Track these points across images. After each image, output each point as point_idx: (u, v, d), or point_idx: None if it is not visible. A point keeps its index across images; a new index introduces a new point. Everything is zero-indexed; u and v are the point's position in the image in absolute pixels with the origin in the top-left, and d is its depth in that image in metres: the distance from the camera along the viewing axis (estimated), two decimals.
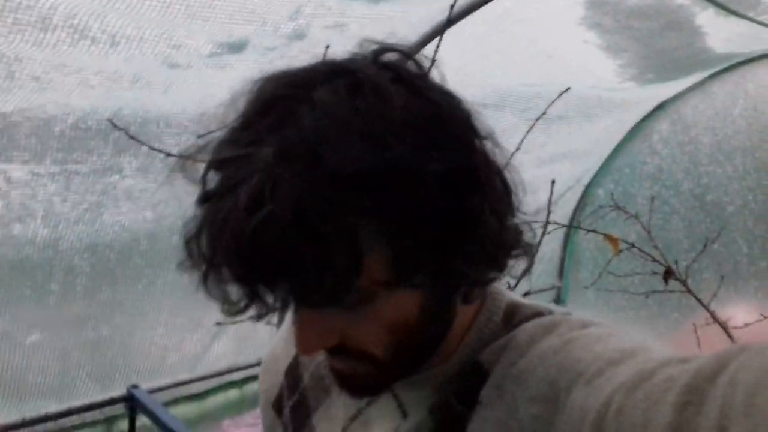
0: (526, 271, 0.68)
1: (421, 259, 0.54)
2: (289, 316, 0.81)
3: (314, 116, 0.52)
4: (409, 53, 0.58)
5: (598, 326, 0.62)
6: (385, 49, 0.58)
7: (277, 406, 0.82)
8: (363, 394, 0.66)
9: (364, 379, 0.61)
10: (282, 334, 0.85)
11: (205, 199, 0.55)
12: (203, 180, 0.56)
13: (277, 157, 0.51)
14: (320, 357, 0.77)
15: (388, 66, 0.57)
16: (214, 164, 0.55)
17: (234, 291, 0.56)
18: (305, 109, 0.52)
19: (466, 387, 0.64)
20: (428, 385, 0.66)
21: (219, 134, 0.57)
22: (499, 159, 0.60)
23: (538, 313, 0.66)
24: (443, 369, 0.65)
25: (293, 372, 0.80)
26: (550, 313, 0.66)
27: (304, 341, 0.58)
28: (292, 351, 0.81)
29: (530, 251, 0.64)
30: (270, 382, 0.84)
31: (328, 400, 0.75)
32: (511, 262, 0.62)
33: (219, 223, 0.51)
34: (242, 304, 0.56)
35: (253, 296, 0.54)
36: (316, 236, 0.49)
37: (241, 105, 0.57)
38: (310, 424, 0.76)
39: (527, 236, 0.63)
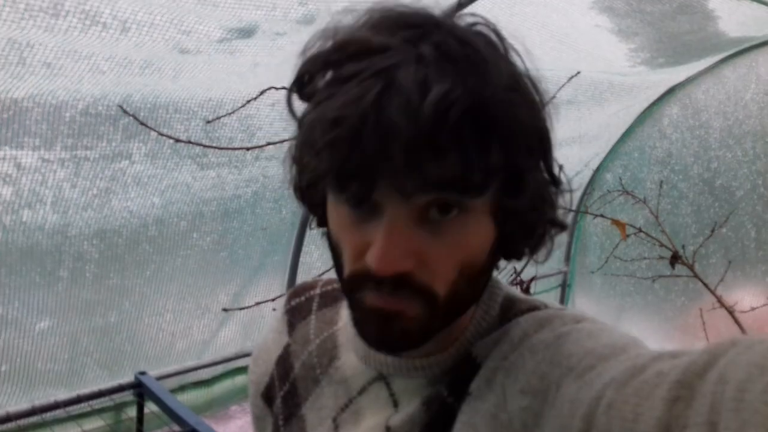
0: (548, 253, 0.69)
1: (522, 198, 0.58)
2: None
3: (464, 34, 0.54)
4: (491, 23, 0.60)
5: (592, 322, 0.62)
6: (468, 14, 0.60)
7: (267, 396, 0.82)
8: (399, 343, 0.61)
9: (408, 323, 0.59)
10: (272, 324, 0.85)
11: (330, 85, 0.53)
12: (325, 63, 0.55)
13: (440, 55, 0.52)
14: (311, 346, 0.78)
15: (477, 32, 0.59)
16: (356, 46, 0.53)
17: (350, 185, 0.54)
18: (446, 31, 0.54)
19: (458, 378, 0.65)
20: (422, 375, 0.66)
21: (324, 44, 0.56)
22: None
23: (534, 308, 0.67)
24: (439, 359, 0.66)
25: (284, 362, 0.80)
26: (546, 307, 0.67)
27: (386, 255, 0.55)
28: (283, 341, 0.81)
29: (565, 227, 0.66)
30: (259, 372, 0.84)
31: (318, 390, 0.75)
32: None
33: (375, 97, 0.49)
34: (357, 193, 0.55)
35: (402, 174, 0.52)
36: (486, 125, 0.52)
37: (348, 28, 0.56)
38: (300, 415, 0.76)
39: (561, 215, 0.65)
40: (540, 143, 0.58)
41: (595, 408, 0.48)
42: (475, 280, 0.61)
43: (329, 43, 0.55)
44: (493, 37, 0.58)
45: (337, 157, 0.52)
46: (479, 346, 0.65)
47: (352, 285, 0.60)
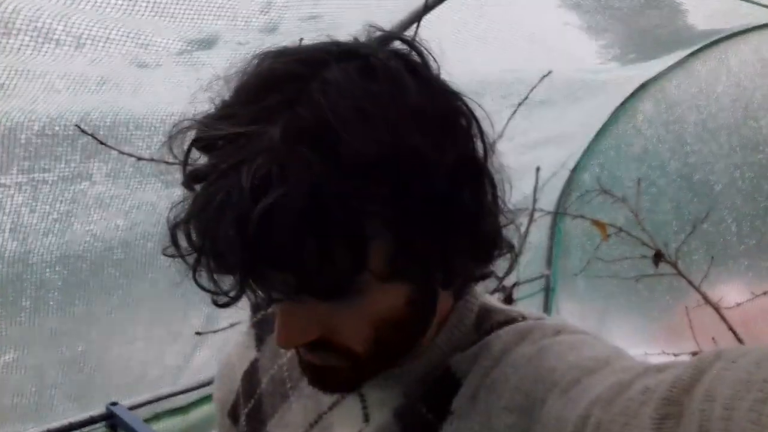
0: (513, 265, 0.69)
1: (422, 251, 0.54)
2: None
3: (328, 97, 0.50)
4: (416, 44, 0.58)
5: (572, 332, 0.63)
6: (392, 36, 0.59)
7: (233, 414, 0.82)
8: (335, 390, 0.66)
9: (339, 373, 0.61)
10: (238, 338, 0.85)
11: (195, 178, 0.53)
12: (186, 158, 0.55)
13: (287, 137, 0.49)
14: (282, 359, 0.77)
15: (397, 53, 0.57)
16: (207, 141, 0.53)
17: (224, 281, 0.55)
18: (316, 88, 0.51)
19: (437, 394, 0.64)
20: (395, 384, 0.66)
21: (209, 110, 0.56)
22: (493, 154, 0.61)
23: (511, 319, 0.67)
24: (411, 368, 0.66)
25: (250, 377, 0.80)
26: (524, 318, 0.67)
27: (286, 333, 0.57)
28: (250, 356, 0.81)
29: (514, 248, 0.64)
30: (225, 389, 0.83)
31: (285, 406, 0.75)
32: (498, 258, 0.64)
33: (216, 206, 0.49)
34: (232, 295, 0.56)
35: (244, 287, 0.53)
36: (327, 224, 0.48)
37: (236, 80, 0.56)
38: None
39: (511, 233, 0.64)
40: (428, 205, 0.53)
41: (582, 428, 0.49)
42: (401, 329, 0.60)
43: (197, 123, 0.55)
44: (426, 72, 0.57)
45: (196, 264, 0.54)
46: (458, 360, 0.65)
47: None
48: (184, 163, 0.55)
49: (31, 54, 1.23)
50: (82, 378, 1.95)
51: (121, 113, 1.58)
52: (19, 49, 1.19)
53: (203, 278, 0.55)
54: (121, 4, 1.24)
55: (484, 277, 0.64)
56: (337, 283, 0.52)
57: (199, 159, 0.56)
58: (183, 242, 0.54)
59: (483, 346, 0.64)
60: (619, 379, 0.50)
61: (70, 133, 1.51)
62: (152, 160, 1.56)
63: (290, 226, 0.48)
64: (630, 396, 0.47)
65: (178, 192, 1.77)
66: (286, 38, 1.55)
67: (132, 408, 2.04)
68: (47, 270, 1.71)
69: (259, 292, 0.55)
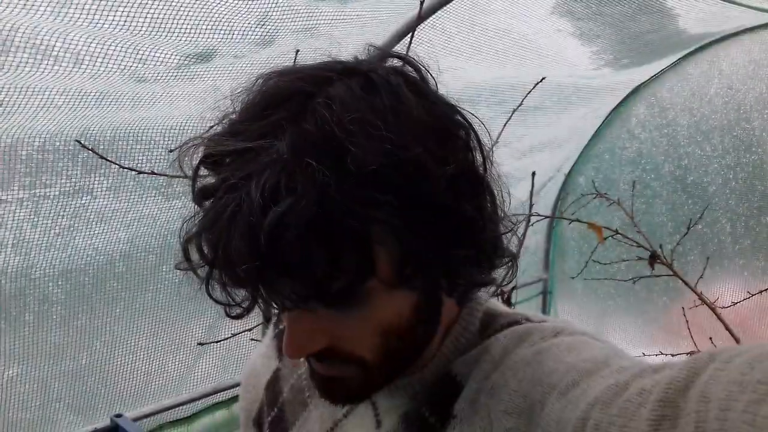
0: (514, 272, 0.69)
1: (426, 260, 0.55)
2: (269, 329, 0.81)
3: (332, 111, 0.52)
4: (413, 60, 0.60)
5: (570, 333, 0.63)
6: (391, 54, 0.60)
7: (258, 422, 0.83)
8: (344, 402, 0.66)
9: (347, 384, 0.61)
10: (261, 349, 0.86)
11: (205, 194, 0.55)
12: (195, 175, 0.56)
13: (294, 151, 0.51)
14: (301, 369, 0.78)
15: (396, 70, 0.58)
16: (216, 157, 0.55)
17: (236, 293, 0.57)
18: (322, 104, 0.53)
19: (439, 399, 0.65)
20: (405, 393, 0.67)
21: (216, 128, 0.58)
22: (492, 164, 0.62)
23: (513, 322, 0.67)
24: (420, 377, 0.66)
25: (273, 386, 0.81)
26: (526, 321, 0.67)
27: (293, 343, 0.57)
28: (272, 365, 0.82)
29: (514, 255, 0.66)
30: (250, 398, 0.84)
31: (305, 414, 0.76)
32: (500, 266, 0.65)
33: (227, 219, 0.50)
34: (244, 306, 0.57)
35: (256, 297, 0.55)
36: (335, 232, 0.50)
37: (242, 99, 0.58)
38: None
39: (510, 238, 0.65)
40: (431, 213, 0.54)
41: (582, 430, 0.49)
42: (407, 336, 0.61)
43: (206, 141, 0.56)
44: (424, 87, 0.58)
45: (208, 276, 0.55)
46: (459, 364, 0.65)
47: None
48: (194, 180, 0.56)
49: (30, 71, 1.23)
50: (86, 390, 1.94)
51: (121, 128, 1.58)
52: (18, 66, 1.19)
53: (215, 290, 0.56)
54: (119, 21, 1.24)
55: (487, 284, 0.64)
56: (345, 290, 0.53)
57: (207, 177, 0.57)
58: (195, 256, 0.55)
59: (483, 349, 0.65)
60: (617, 380, 0.50)
61: (71, 148, 1.50)
62: (152, 173, 1.55)
63: (299, 236, 0.49)
64: (627, 397, 0.47)
65: (179, 204, 1.76)
66: (283, 50, 1.55)
67: (136, 419, 2.02)
68: (50, 284, 1.70)
69: (270, 302, 0.55)
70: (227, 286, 0.55)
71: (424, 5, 1.64)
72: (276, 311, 0.59)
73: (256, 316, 2.39)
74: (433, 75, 0.60)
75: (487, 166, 0.60)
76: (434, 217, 0.54)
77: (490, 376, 0.62)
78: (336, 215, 0.49)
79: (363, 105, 0.53)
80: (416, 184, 0.52)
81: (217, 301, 0.57)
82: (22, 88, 1.27)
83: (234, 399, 2.40)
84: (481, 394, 0.61)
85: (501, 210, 0.62)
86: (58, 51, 1.23)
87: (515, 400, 0.58)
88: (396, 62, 0.60)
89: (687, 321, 2.38)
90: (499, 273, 0.65)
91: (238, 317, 0.59)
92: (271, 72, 0.58)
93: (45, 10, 1.14)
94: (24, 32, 1.14)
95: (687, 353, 2.28)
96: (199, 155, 0.56)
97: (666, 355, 2.36)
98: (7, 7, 1.07)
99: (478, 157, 0.59)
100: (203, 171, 0.56)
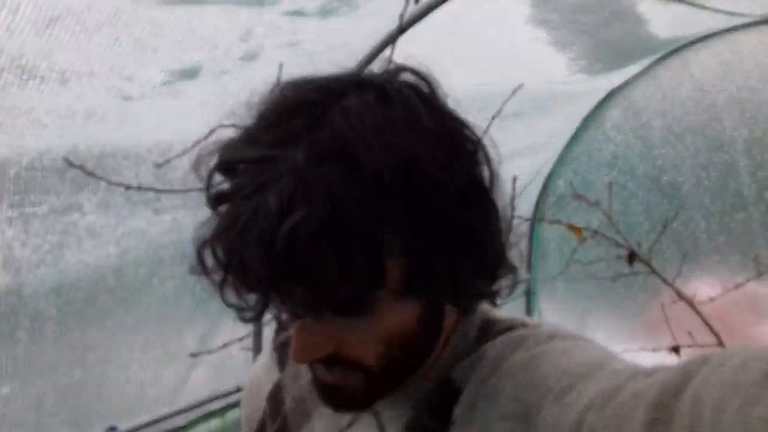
0: (515, 284, 0.68)
1: (434, 271, 0.55)
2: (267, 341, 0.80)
3: (347, 122, 0.52)
4: (425, 75, 0.60)
5: (564, 338, 0.63)
6: (402, 68, 0.60)
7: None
8: (347, 408, 0.65)
9: (351, 391, 0.61)
10: (262, 359, 0.85)
11: (219, 200, 0.55)
12: (208, 182, 0.57)
13: (310, 159, 0.51)
14: (303, 379, 0.77)
15: (409, 84, 0.59)
16: (231, 164, 0.55)
17: (249, 298, 0.56)
18: (336, 114, 0.53)
19: (439, 404, 0.64)
20: (407, 402, 0.66)
21: (232, 136, 0.58)
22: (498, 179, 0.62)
23: (510, 328, 0.67)
24: (420, 385, 0.66)
25: (275, 397, 0.80)
26: (523, 326, 0.67)
27: (301, 349, 0.57)
28: (274, 377, 0.81)
29: (516, 269, 0.65)
30: (252, 407, 0.83)
31: (308, 425, 0.75)
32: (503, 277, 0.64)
33: (243, 225, 0.50)
34: (255, 311, 0.57)
35: (267, 302, 0.54)
36: (348, 240, 0.50)
37: (257, 108, 0.58)
38: None
39: (512, 253, 0.65)
40: (440, 223, 0.54)
41: None
42: (411, 345, 0.61)
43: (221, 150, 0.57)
44: (435, 101, 0.59)
45: (222, 281, 0.55)
46: (458, 369, 0.65)
47: None
48: (207, 187, 0.57)
49: (16, 91, 1.21)
50: (81, 404, 1.91)
51: (109, 145, 1.56)
52: (4, 86, 1.17)
53: (228, 296, 0.57)
54: (103, 41, 1.22)
55: (490, 295, 0.64)
56: (356, 298, 0.53)
57: (222, 183, 0.58)
58: (209, 262, 0.56)
59: (480, 355, 0.65)
60: (611, 383, 0.50)
61: (59, 166, 1.48)
62: (140, 188, 1.53)
63: (313, 244, 0.49)
64: (621, 400, 0.47)
65: (168, 218, 1.74)
66: (267, 65, 1.54)
67: (131, 431, 2.00)
68: (41, 301, 1.67)
69: (281, 308, 0.55)
70: (240, 291, 0.55)
71: (405, 18, 1.64)
72: (284, 317, 0.59)
73: (247, 326, 2.37)
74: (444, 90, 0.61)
75: (494, 181, 0.60)
76: (443, 228, 0.54)
77: (488, 381, 0.62)
78: (349, 224, 0.49)
79: (377, 116, 0.53)
80: (427, 195, 0.53)
81: (229, 305, 0.57)
82: (9, 108, 1.24)
83: (228, 408, 2.37)
84: (479, 399, 0.61)
85: (504, 223, 0.62)
86: (44, 71, 1.21)
87: (512, 404, 0.58)
88: (408, 75, 0.60)
89: (666, 317, 2.40)
90: (502, 284, 0.65)
91: (250, 321, 0.59)
92: (286, 82, 0.58)
93: (30, 31, 1.12)
94: (9, 53, 1.12)
95: (668, 348, 2.30)
96: (214, 162, 0.57)
97: (647, 350, 2.36)
98: None
99: (486, 172, 0.60)
100: (217, 178, 0.56)
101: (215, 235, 0.53)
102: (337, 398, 0.62)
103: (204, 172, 0.57)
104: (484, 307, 0.71)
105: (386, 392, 0.64)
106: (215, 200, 0.55)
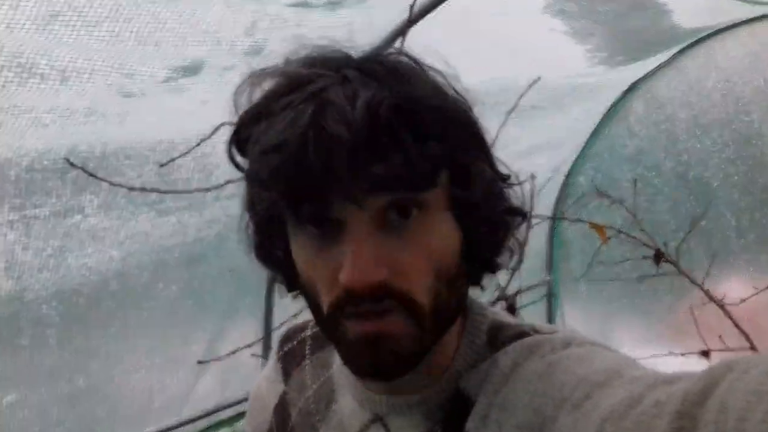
0: (517, 267, 0.71)
1: (472, 190, 0.62)
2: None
3: (379, 60, 0.61)
4: (416, 58, 0.65)
5: (580, 344, 0.63)
6: (397, 51, 0.65)
7: None
8: (392, 367, 0.61)
9: (395, 342, 0.59)
10: (266, 372, 0.86)
11: (257, 116, 0.59)
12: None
13: (362, 74, 0.57)
14: (309, 392, 0.78)
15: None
16: (274, 91, 0.59)
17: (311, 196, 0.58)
18: (366, 58, 0.61)
19: (452, 417, 0.65)
20: (418, 411, 0.66)
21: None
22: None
23: (521, 333, 0.67)
24: (431, 393, 0.66)
25: (281, 411, 0.80)
26: (534, 331, 0.67)
27: (357, 267, 0.56)
28: (278, 389, 0.82)
29: (520, 244, 0.70)
30: (259, 419, 0.84)
31: None
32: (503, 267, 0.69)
33: (313, 114, 0.54)
34: (317, 204, 0.58)
35: (327, 201, 0.57)
36: (419, 119, 0.56)
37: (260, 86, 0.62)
38: None
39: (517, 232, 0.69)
40: (474, 138, 0.63)
41: None
42: (454, 286, 0.62)
43: (260, 89, 0.61)
44: (412, 62, 0.64)
45: (285, 180, 0.56)
46: (469, 379, 0.65)
47: (334, 318, 0.60)
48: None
49: (16, 90, 1.24)
50: (85, 413, 1.94)
51: (110, 144, 1.58)
52: (3, 85, 1.20)
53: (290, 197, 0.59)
54: (104, 36, 1.24)
55: (497, 268, 0.69)
56: (428, 175, 0.57)
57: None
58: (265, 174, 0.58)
59: (492, 363, 0.65)
60: (630, 392, 0.50)
61: (60, 167, 1.50)
62: (143, 189, 1.55)
63: (389, 117, 0.54)
64: (642, 410, 0.47)
65: (172, 220, 1.76)
66: (272, 60, 1.55)
67: None
68: (44, 306, 1.70)
69: (349, 194, 0.56)
70: (303, 188, 0.56)
71: (415, 8, 1.64)
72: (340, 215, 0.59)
73: (255, 333, 2.38)
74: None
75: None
76: (474, 147, 0.63)
77: (501, 390, 0.62)
78: (417, 107, 0.56)
79: (400, 60, 0.61)
80: (461, 111, 0.62)
81: (290, 207, 0.59)
82: (8, 107, 1.27)
83: (237, 417, 2.39)
84: (492, 409, 0.61)
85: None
86: (44, 68, 1.23)
87: (526, 414, 0.58)
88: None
89: (695, 319, 2.38)
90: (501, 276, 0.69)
91: (310, 223, 0.60)
92: (302, 48, 0.64)
93: (30, 28, 1.14)
94: (9, 51, 1.14)
95: (698, 352, 2.28)
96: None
97: (676, 354, 2.35)
98: None
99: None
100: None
101: (277, 135, 0.56)
102: (379, 355, 0.59)
103: (245, 100, 0.62)
104: (492, 310, 0.71)
105: (427, 352, 0.62)
106: (251, 116, 0.60)
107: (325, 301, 0.60)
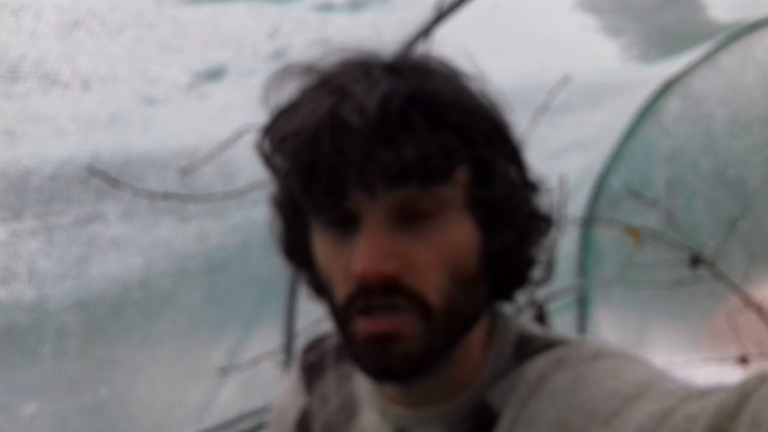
0: (548, 278, 0.71)
1: (493, 190, 0.63)
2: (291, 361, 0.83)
3: (412, 62, 0.63)
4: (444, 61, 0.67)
5: (610, 356, 0.63)
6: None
7: None
8: (401, 370, 0.61)
9: (406, 344, 0.59)
10: (288, 383, 0.87)
11: (294, 106, 0.62)
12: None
13: (386, 70, 0.60)
14: (332, 403, 0.78)
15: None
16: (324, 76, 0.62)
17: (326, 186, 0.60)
18: (392, 56, 0.64)
19: (476, 430, 0.65)
20: (441, 424, 0.67)
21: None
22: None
23: (549, 345, 0.67)
24: (455, 406, 0.66)
25: (303, 424, 0.81)
26: (563, 342, 0.67)
27: (369, 257, 0.57)
28: (300, 401, 0.82)
29: (551, 254, 0.71)
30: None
31: None
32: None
33: (333, 103, 0.57)
34: (332, 201, 0.60)
35: (341, 189, 0.58)
36: (434, 112, 0.58)
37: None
38: None
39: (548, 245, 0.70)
40: (499, 137, 0.63)
41: None
42: (469, 288, 0.62)
43: (289, 87, 0.64)
44: (439, 63, 0.66)
45: (301, 164, 0.59)
46: (494, 391, 0.65)
47: (346, 314, 0.61)
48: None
49: (38, 98, 1.26)
50: (106, 423, 1.96)
51: (133, 151, 1.60)
52: (27, 94, 1.22)
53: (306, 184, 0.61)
54: (126, 42, 1.26)
55: (524, 279, 0.69)
56: (441, 169, 0.58)
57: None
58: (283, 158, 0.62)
59: (518, 375, 0.64)
60: (662, 406, 0.50)
61: (82, 174, 1.53)
62: (166, 198, 1.57)
63: (404, 109, 0.56)
64: (674, 424, 0.47)
65: (195, 227, 1.78)
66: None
67: None
68: (65, 315, 1.73)
69: (362, 185, 0.58)
70: (320, 175, 0.58)
71: (441, 6, 1.65)
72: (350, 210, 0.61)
73: (277, 338, 2.40)
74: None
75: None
76: (497, 144, 0.63)
77: (527, 403, 0.62)
78: (434, 99, 0.58)
79: (427, 59, 0.64)
80: (483, 106, 0.63)
81: (305, 195, 0.61)
82: (31, 116, 1.29)
83: (259, 427, 2.40)
84: (518, 423, 0.61)
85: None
86: (67, 76, 1.26)
87: (553, 429, 0.58)
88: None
89: (734, 325, 2.36)
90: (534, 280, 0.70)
91: (328, 210, 0.61)
92: (332, 51, 0.66)
93: (54, 36, 1.16)
94: (32, 60, 1.16)
95: (735, 358, 2.26)
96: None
97: (713, 360, 2.33)
98: (16, 35, 1.10)
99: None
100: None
101: (297, 123, 0.59)
102: (388, 355, 0.60)
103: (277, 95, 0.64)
104: (520, 322, 0.71)
105: (442, 352, 0.62)
106: (283, 109, 0.62)
107: (340, 295, 0.62)
